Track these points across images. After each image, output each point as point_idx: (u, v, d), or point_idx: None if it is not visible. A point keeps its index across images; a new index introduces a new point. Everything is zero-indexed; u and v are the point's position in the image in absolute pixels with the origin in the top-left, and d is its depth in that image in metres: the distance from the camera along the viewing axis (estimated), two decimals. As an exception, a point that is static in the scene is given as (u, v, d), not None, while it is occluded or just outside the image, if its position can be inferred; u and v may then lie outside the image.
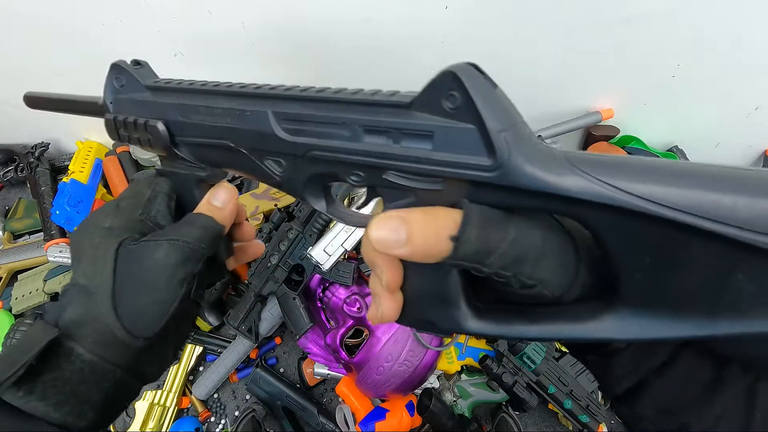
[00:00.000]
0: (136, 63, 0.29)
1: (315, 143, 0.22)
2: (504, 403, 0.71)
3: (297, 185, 0.24)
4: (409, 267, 0.22)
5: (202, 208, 0.29)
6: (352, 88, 0.22)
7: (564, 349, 0.73)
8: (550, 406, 0.69)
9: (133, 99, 0.28)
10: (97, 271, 0.25)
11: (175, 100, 0.27)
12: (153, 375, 0.28)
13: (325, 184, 0.25)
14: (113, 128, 0.29)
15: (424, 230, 0.19)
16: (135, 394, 0.28)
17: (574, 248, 0.20)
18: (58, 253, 0.78)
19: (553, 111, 0.81)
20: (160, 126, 0.27)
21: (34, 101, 0.36)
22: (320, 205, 0.25)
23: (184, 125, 0.27)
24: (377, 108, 0.20)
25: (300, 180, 0.24)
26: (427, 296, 0.22)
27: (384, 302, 0.22)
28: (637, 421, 0.24)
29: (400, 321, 0.23)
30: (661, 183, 0.16)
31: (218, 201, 0.29)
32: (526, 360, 0.68)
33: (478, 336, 0.22)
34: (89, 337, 0.24)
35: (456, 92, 0.18)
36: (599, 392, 0.71)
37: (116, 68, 0.29)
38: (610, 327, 0.18)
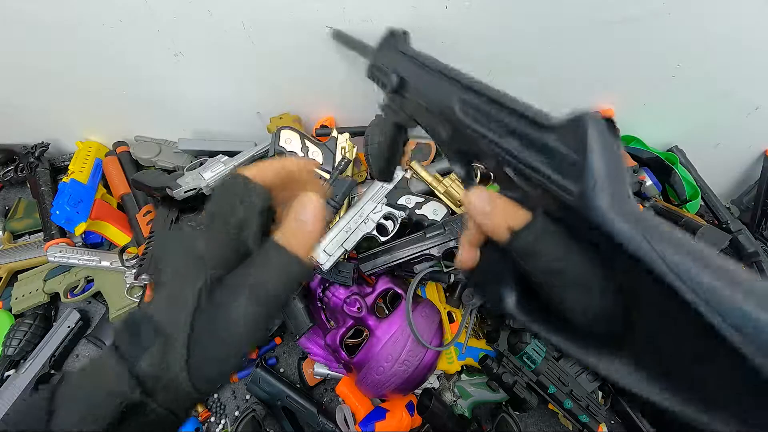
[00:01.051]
0: (404, 32, 0.40)
1: (474, 126, 0.28)
2: (504, 403, 0.71)
3: (451, 149, 0.31)
4: (488, 242, 0.26)
5: (289, 227, 0.26)
6: (511, 95, 0.26)
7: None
8: (550, 406, 0.69)
9: (389, 55, 0.38)
10: (176, 312, 0.23)
11: (410, 65, 0.35)
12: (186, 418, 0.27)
13: (469, 160, 0.31)
14: (372, 69, 0.40)
15: (501, 214, 0.24)
16: None
17: (614, 300, 0.21)
18: (58, 253, 0.78)
19: (553, 111, 0.81)
20: (394, 77, 0.36)
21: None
22: (460, 173, 0.32)
23: (407, 83, 0.36)
24: (525, 119, 0.24)
25: (453, 147, 0.31)
26: (490, 269, 0.27)
27: (464, 252, 0.27)
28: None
29: (468, 281, 0.29)
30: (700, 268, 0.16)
31: (306, 217, 0.26)
32: (526, 360, 0.68)
33: (513, 317, 0.26)
34: (163, 391, 0.23)
35: (581, 132, 0.21)
36: (599, 392, 0.71)
37: (390, 32, 0.40)
38: (613, 369, 0.20)
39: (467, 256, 0.27)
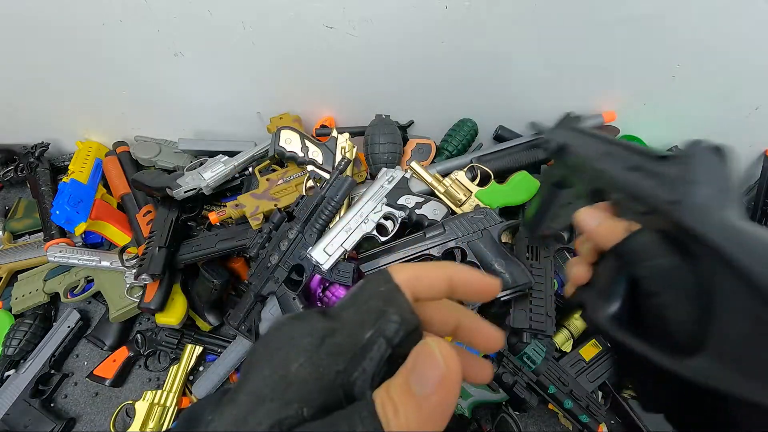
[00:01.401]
0: (578, 116, 0.51)
1: (608, 169, 0.33)
2: (504, 403, 0.71)
3: (587, 189, 0.37)
4: (603, 259, 0.30)
5: (398, 393, 0.16)
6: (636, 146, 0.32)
7: (564, 349, 0.73)
8: (550, 406, 0.69)
9: (560, 130, 0.48)
10: None
11: (574, 135, 0.44)
12: None
13: (599, 197, 0.35)
14: (544, 140, 0.49)
15: (609, 226, 0.28)
16: None
17: (701, 302, 0.22)
18: (58, 253, 0.78)
19: (554, 112, 0.81)
20: (554, 144, 0.47)
21: None
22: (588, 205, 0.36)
23: (568, 148, 0.45)
24: (645, 156, 0.31)
25: (590, 188, 0.36)
26: (602, 282, 0.29)
27: (577, 270, 0.30)
28: None
29: (579, 296, 0.31)
30: None
31: (425, 385, 0.16)
32: (526, 360, 0.68)
33: (599, 325, 0.27)
34: None
35: (689, 154, 0.27)
36: (599, 392, 0.71)
37: (566, 114, 0.51)
38: (694, 367, 0.21)
39: (581, 272, 0.30)
